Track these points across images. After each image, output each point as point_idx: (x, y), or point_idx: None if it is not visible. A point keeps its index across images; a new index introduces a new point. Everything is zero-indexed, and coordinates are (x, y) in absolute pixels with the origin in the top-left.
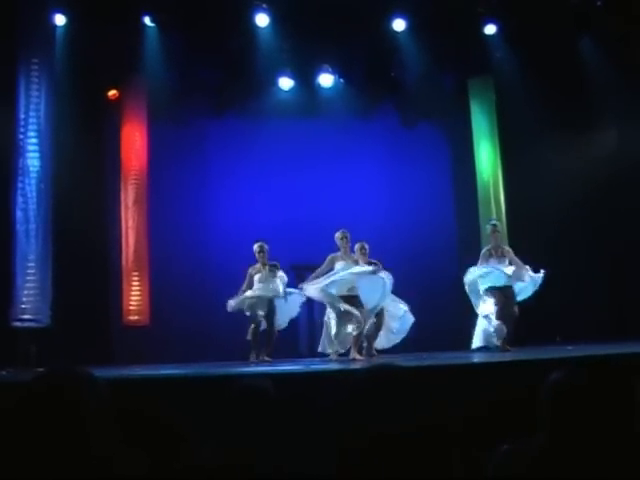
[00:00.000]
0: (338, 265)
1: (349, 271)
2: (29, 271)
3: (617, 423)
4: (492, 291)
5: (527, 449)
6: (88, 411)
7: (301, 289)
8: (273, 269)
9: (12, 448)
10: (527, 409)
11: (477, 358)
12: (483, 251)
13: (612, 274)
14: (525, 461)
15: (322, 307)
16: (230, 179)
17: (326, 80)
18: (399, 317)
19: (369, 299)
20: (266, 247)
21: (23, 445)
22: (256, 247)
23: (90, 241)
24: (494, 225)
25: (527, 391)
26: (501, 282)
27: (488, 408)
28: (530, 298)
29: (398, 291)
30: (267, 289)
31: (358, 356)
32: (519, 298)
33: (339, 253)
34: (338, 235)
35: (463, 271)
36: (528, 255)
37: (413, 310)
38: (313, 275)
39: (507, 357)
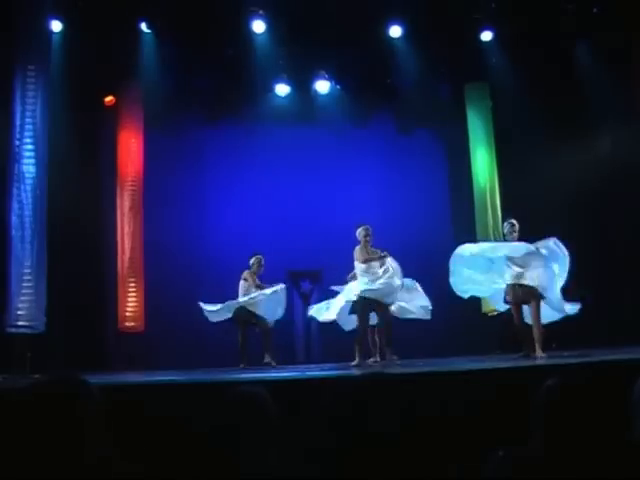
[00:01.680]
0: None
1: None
2: (24, 277)
3: (611, 429)
4: None
5: (522, 455)
6: (86, 416)
7: None
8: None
9: (11, 453)
10: (522, 415)
11: (472, 364)
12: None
13: (609, 279)
14: (520, 467)
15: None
16: (226, 186)
17: (322, 86)
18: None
19: None
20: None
21: (22, 450)
22: (255, 260)
23: (86, 247)
24: (512, 224)
25: (522, 397)
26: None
27: (483, 414)
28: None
29: None
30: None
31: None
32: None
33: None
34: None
35: None
36: None
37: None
38: None
39: (502, 363)
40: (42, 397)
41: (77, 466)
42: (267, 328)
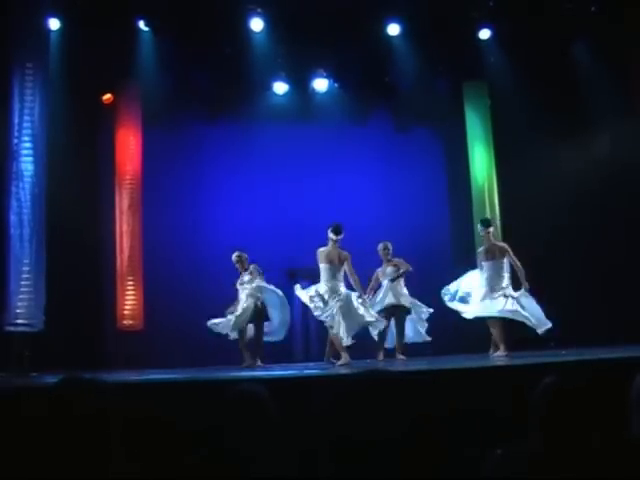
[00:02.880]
0: None
1: None
2: (23, 275)
3: (610, 426)
4: None
5: (520, 453)
6: (102, 419)
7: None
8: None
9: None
10: (520, 413)
11: (470, 362)
12: (479, 250)
13: (607, 278)
14: (518, 465)
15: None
16: (224, 184)
17: (321, 85)
18: None
19: None
20: (245, 256)
21: (38, 454)
22: (234, 257)
23: (84, 245)
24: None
25: (521, 395)
26: None
27: (481, 412)
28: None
29: None
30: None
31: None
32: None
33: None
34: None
35: (457, 274)
36: (522, 259)
37: None
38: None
39: (501, 362)
40: (58, 400)
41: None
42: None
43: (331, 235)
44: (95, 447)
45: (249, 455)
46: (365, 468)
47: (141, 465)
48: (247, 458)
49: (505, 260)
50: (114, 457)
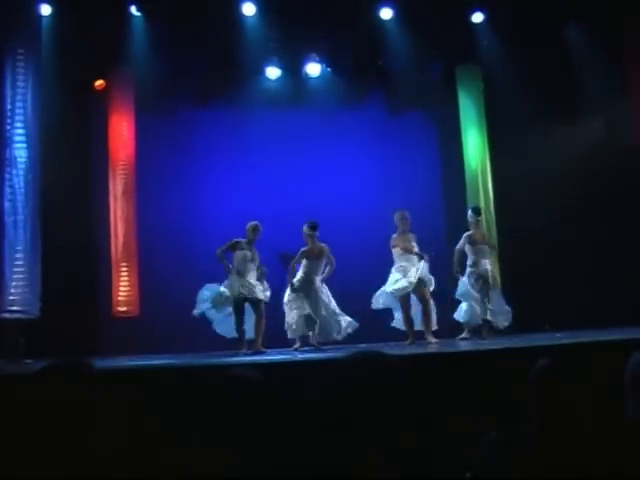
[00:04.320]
0: None
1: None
2: (17, 262)
3: (605, 409)
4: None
5: (515, 436)
6: (97, 401)
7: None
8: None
9: (15, 441)
10: (515, 397)
11: (465, 346)
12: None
13: (603, 260)
14: (513, 448)
15: None
16: (218, 169)
17: (313, 69)
18: None
19: None
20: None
21: (32, 440)
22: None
23: (79, 232)
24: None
25: (516, 379)
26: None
27: (476, 396)
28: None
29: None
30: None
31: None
32: None
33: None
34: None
35: (451, 258)
36: (516, 242)
37: None
38: None
39: (496, 345)
40: (53, 381)
41: (85, 457)
42: (261, 310)
43: (313, 232)
44: (80, 431)
45: (242, 440)
46: (358, 457)
47: (131, 449)
48: (241, 443)
49: (485, 247)
50: (99, 440)
